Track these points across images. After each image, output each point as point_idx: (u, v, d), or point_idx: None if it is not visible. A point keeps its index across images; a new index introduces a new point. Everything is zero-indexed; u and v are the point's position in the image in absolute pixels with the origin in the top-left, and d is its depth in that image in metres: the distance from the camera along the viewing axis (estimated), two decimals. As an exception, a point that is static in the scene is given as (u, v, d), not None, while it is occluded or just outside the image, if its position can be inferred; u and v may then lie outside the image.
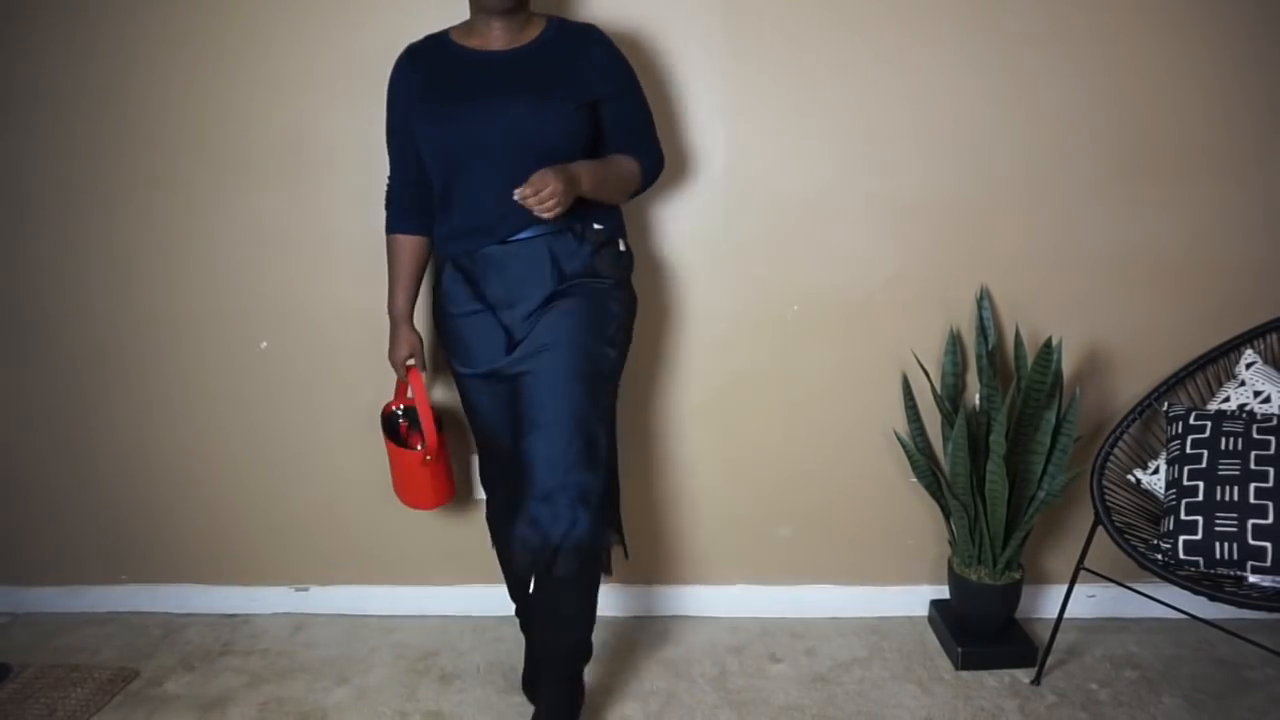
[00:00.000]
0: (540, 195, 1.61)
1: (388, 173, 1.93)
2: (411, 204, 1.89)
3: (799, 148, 2.13)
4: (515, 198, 1.62)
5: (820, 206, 2.16)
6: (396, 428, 2.10)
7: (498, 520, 2.01)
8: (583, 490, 1.69)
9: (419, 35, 2.06)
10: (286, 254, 2.22)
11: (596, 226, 1.82)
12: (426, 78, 1.80)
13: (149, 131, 2.17)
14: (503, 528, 1.93)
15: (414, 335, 1.99)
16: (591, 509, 1.69)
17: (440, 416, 2.07)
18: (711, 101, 2.11)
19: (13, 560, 2.47)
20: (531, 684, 2.01)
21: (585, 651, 1.89)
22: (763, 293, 2.20)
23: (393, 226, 1.93)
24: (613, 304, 1.83)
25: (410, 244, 1.92)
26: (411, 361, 1.99)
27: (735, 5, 2.06)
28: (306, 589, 2.44)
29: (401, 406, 2.09)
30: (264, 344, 2.28)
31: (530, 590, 1.86)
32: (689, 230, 2.18)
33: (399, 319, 1.97)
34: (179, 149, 2.18)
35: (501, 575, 2.11)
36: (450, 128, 1.75)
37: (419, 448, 2.03)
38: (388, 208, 1.94)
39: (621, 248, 1.88)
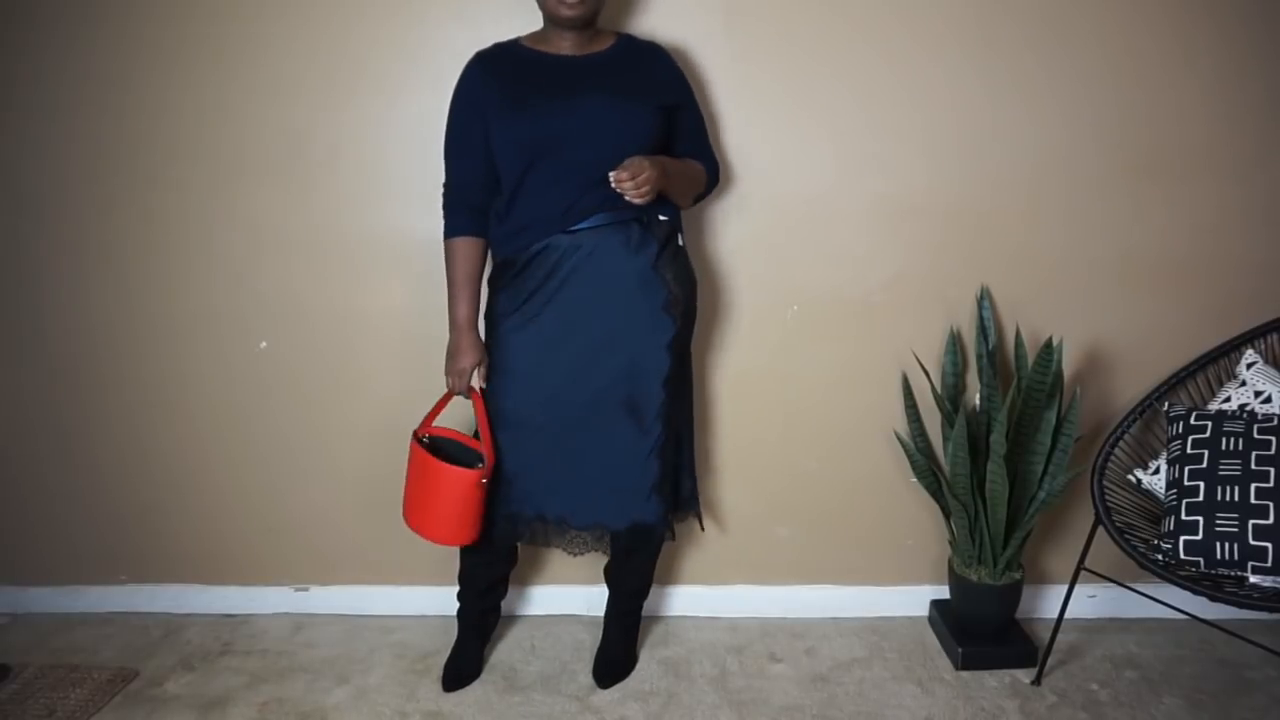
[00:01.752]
0: (637, 180, 1.71)
1: (442, 179, 1.92)
2: (476, 207, 1.89)
3: (799, 148, 2.13)
4: (611, 180, 1.71)
5: (821, 207, 2.16)
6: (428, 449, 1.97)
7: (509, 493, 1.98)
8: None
9: (419, 35, 2.08)
10: (286, 254, 2.22)
11: (662, 218, 1.87)
12: (504, 80, 1.84)
13: (148, 132, 2.17)
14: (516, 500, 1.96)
15: (481, 344, 1.92)
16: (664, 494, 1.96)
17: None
18: (712, 101, 2.11)
19: (13, 560, 2.47)
20: (452, 669, 2.12)
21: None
22: (763, 293, 2.20)
23: (456, 229, 1.89)
24: (681, 298, 1.91)
25: (474, 247, 1.90)
26: (477, 379, 1.92)
27: (736, 6, 2.06)
28: (306, 589, 2.44)
29: (427, 436, 1.99)
30: (263, 344, 2.28)
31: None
32: (689, 231, 2.17)
33: (465, 326, 1.90)
34: (178, 149, 2.18)
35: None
36: (533, 121, 1.80)
37: None
38: (447, 212, 1.90)
39: (680, 242, 1.94)
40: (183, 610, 2.45)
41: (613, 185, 1.71)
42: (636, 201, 1.74)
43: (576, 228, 1.82)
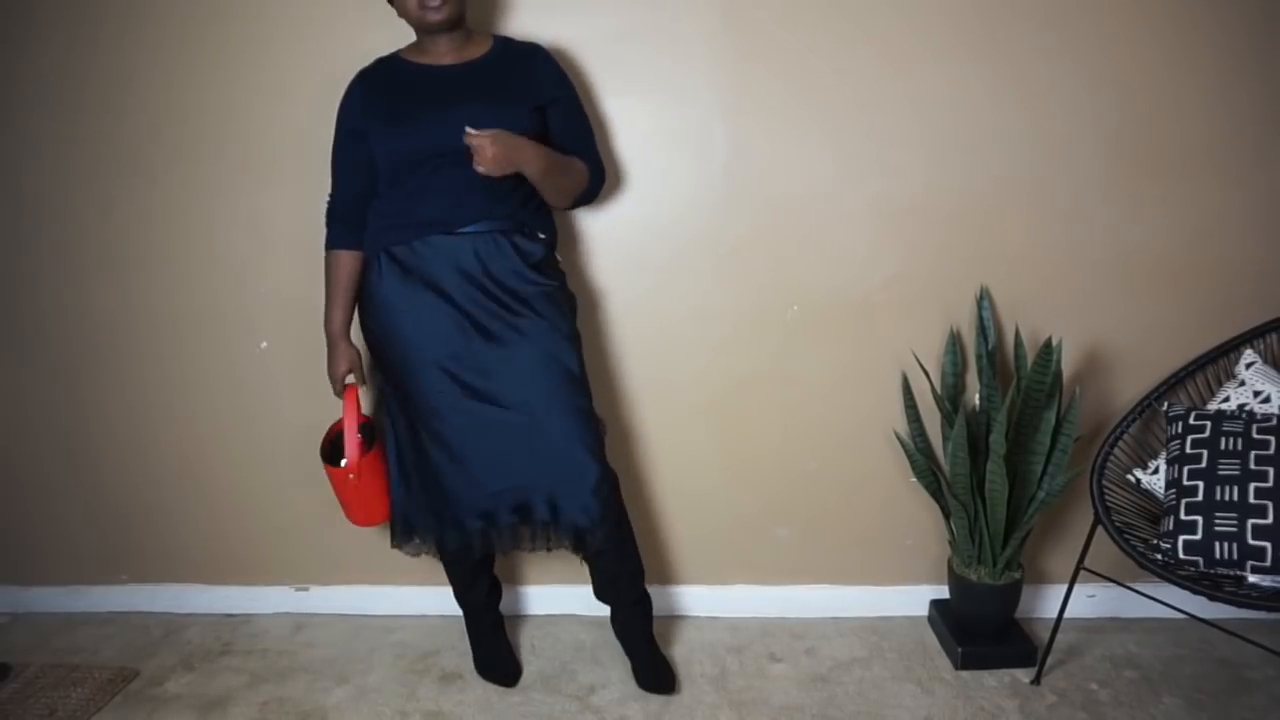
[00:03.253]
0: (485, 141, 1.74)
1: (328, 192, 1.97)
2: (353, 219, 1.94)
3: (799, 148, 2.13)
4: (466, 132, 1.74)
5: (820, 206, 2.16)
6: (338, 450, 2.02)
7: (439, 507, 1.97)
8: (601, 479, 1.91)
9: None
10: (286, 254, 2.22)
11: (541, 235, 1.93)
12: (381, 94, 1.90)
13: (149, 132, 2.18)
14: (450, 513, 1.96)
15: (353, 350, 2.01)
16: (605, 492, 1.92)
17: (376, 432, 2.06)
18: (711, 101, 2.11)
19: (13, 560, 2.47)
20: (495, 668, 2.14)
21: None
22: (763, 293, 2.20)
23: (334, 242, 1.96)
24: (566, 303, 1.96)
25: (350, 260, 1.95)
26: (351, 378, 2.02)
27: (735, 5, 2.06)
28: (306, 589, 2.44)
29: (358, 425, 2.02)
30: (264, 344, 2.28)
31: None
32: (689, 231, 2.18)
33: (338, 335, 1.99)
34: (179, 149, 2.18)
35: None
36: (409, 133, 1.85)
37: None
38: (329, 224, 1.97)
39: (558, 262, 2.01)
40: (183, 610, 2.45)
41: (464, 139, 1.74)
42: (481, 169, 1.76)
43: (460, 230, 1.85)
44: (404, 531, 2.02)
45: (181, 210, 2.21)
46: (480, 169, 1.76)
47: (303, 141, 2.15)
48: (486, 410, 1.88)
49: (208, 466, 2.37)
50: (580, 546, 1.95)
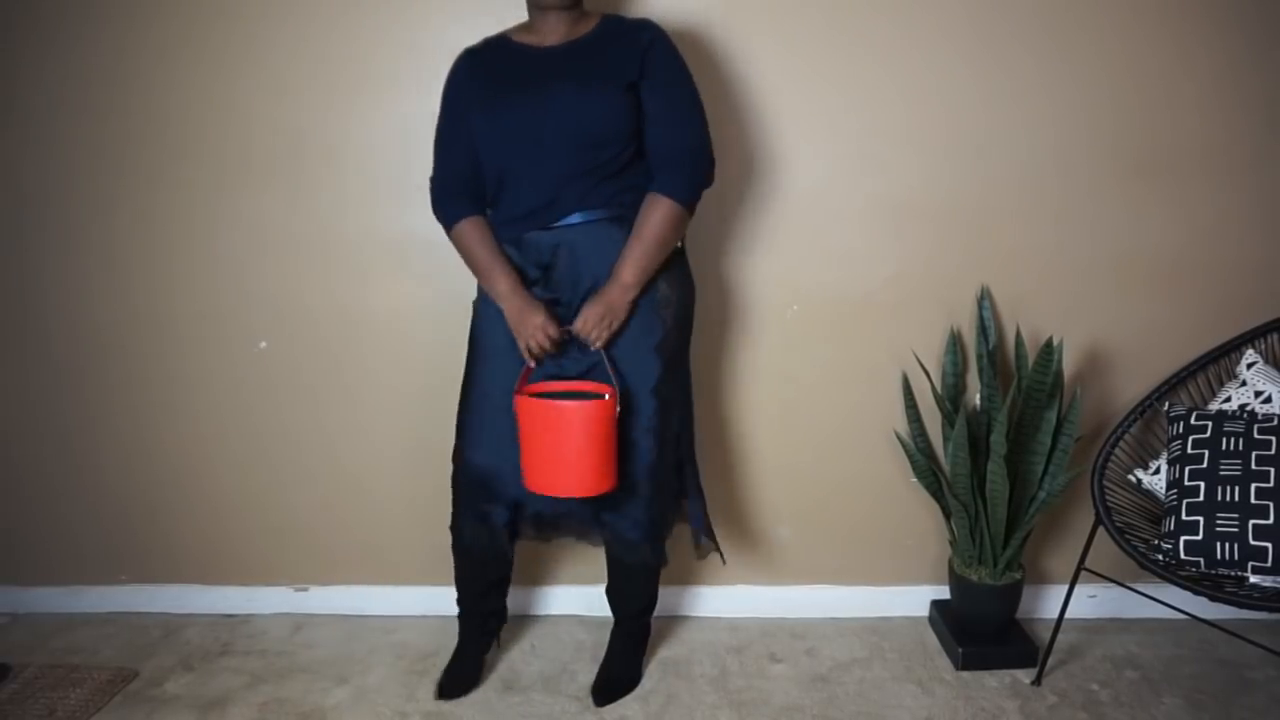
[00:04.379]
0: (591, 336, 1.78)
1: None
2: (464, 190, 1.87)
3: (799, 147, 2.13)
4: (572, 331, 1.79)
5: (820, 206, 2.16)
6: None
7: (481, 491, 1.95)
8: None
9: (419, 36, 2.07)
10: (286, 254, 2.22)
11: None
12: (484, 74, 1.84)
13: (149, 132, 2.17)
14: (488, 499, 1.95)
15: (537, 301, 1.82)
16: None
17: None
18: (711, 102, 2.10)
19: (13, 560, 2.47)
20: (449, 676, 2.10)
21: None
22: (763, 293, 2.20)
23: (454, 217, 1.86)
24: (659, 301, 1.86)
25: (481, 225, 1.86)
26: (553, 330, 1.80)
27: (734, 6, 2.06)
28: (306, 589, 2.44)
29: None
30: (264, 344, 2.28)
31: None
32: (688, 231, 2.17)
33: (511, 293, 1.81)
34: (179, 149, 2.18)
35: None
36: (503, 116, 1.79)
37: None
38: (441, 204, 1.89)
39: (678, 243, 1.88)
40: (183, 610, 2.45)
41: (576, 335, 1.78)
42: (598, 347, 1.79)
43: (556, 224, 1.80)
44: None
45: (181, 210, 2.21)
46: (597, 348, 1.79)
47: (303, 141, 2.15)
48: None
49: (208, 466, 2.37)
50: (615, 553, 2.00)
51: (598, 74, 1.77)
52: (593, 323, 1.77)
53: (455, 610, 2.16)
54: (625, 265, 1.77)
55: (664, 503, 1.95)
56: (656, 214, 1.78)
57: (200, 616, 2.44)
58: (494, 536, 1.96)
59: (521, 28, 1.86)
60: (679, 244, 1.89)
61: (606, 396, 1.79)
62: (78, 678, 2.15)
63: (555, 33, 1.80)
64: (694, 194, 1.83)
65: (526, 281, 1.85)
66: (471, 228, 1.85)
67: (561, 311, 1.85)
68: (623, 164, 1.79)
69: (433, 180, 1.91)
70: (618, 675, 2.09)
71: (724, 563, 2.17)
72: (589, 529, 1.98)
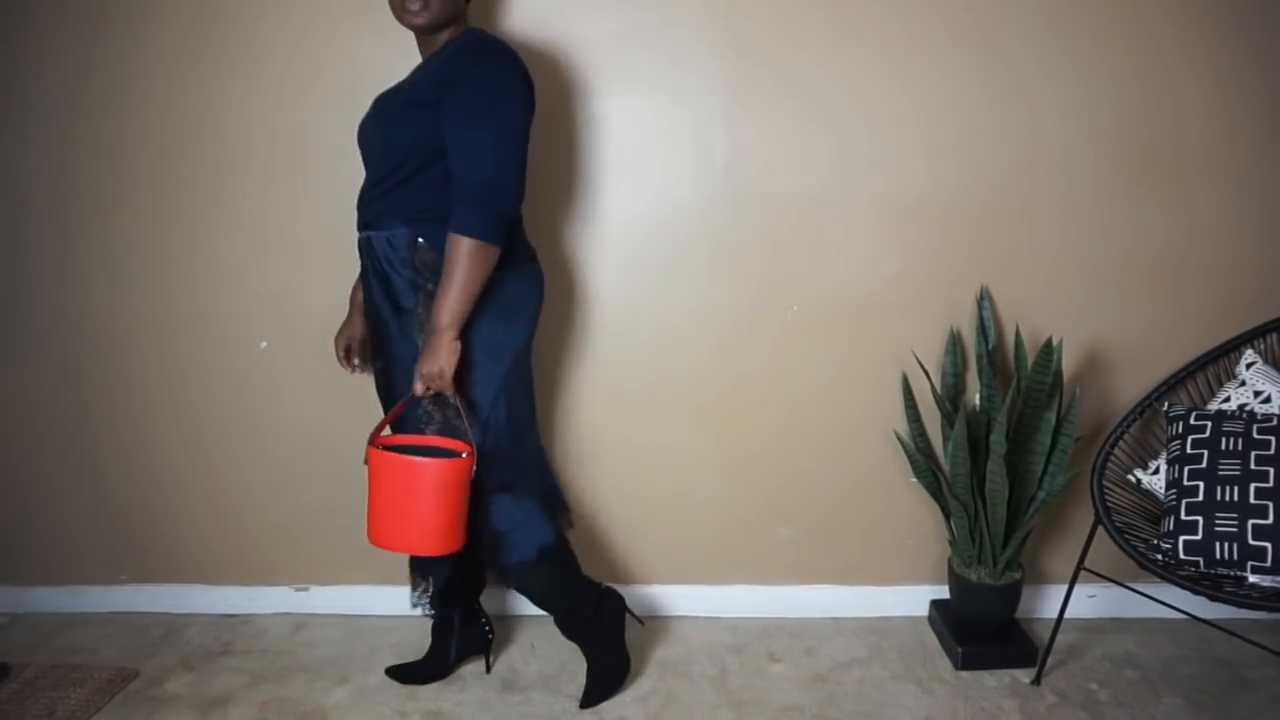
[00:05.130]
0: (429, 390, 1.73)
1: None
2: None
3: (799, 148, 2.13)
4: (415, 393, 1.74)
5: (820, 206, 2.16)
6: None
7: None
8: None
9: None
10: (286, 254, 2.22)
11: (420, 240, 1.77)
12: None
13: (149, 132, 2.17)
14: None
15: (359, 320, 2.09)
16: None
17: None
18: (712, 101, 2.11)
19: (13, 560, 2.47)
20: (402, 672, 2.14)
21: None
22: (763, 293, 2.20)
23: None
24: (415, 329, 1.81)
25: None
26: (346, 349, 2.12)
27: (735, 6, 2.06)
28: (306, 589, 2.44)
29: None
30: (264, 344, 2.28)
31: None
32: (688, 231, 2.18)
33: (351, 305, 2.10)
34: (179, 149, 2.18)
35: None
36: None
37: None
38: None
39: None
40: (183, 610, 2.45)
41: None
42: (439, 393, 1.74)
43: (363, 231, 1.86)
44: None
45: (181, 210, 2.21)
46: (441, 393, 1.74)
47: (303, 141, 2.15)
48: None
49: (208, 466, 2.37)
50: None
51: (406, 87, 1.80)
52: (424, 379, 1.71)
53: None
54: (436, 309, 1.70)
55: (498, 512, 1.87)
56: (454, 253, 1.68)
57: (201, 616, 2.44)
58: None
59: None
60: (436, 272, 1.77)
61: (464, 454, 1.75)
62: (78, 678, 2.15)
63: (424, 50, 1.85)
64: (489, 229, 1.68)
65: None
66: None
67: (369, 312, 1.91)
68: (410, 184, 1.77)
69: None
70: (592, 679, 2.04)
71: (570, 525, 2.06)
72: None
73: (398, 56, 2.09)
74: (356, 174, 2.14)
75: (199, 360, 2.30)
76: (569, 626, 2.03)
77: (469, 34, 1.80)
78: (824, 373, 2.24)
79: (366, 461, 1.79)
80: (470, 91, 1.69)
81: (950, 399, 2.17)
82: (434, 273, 1.75)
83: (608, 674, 2.05)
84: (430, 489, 1.73)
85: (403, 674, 2.13)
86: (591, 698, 2.02)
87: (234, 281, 2.25)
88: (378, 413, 2.29)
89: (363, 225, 1.87)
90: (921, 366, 2.17)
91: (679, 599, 2.39)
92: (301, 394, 2.30)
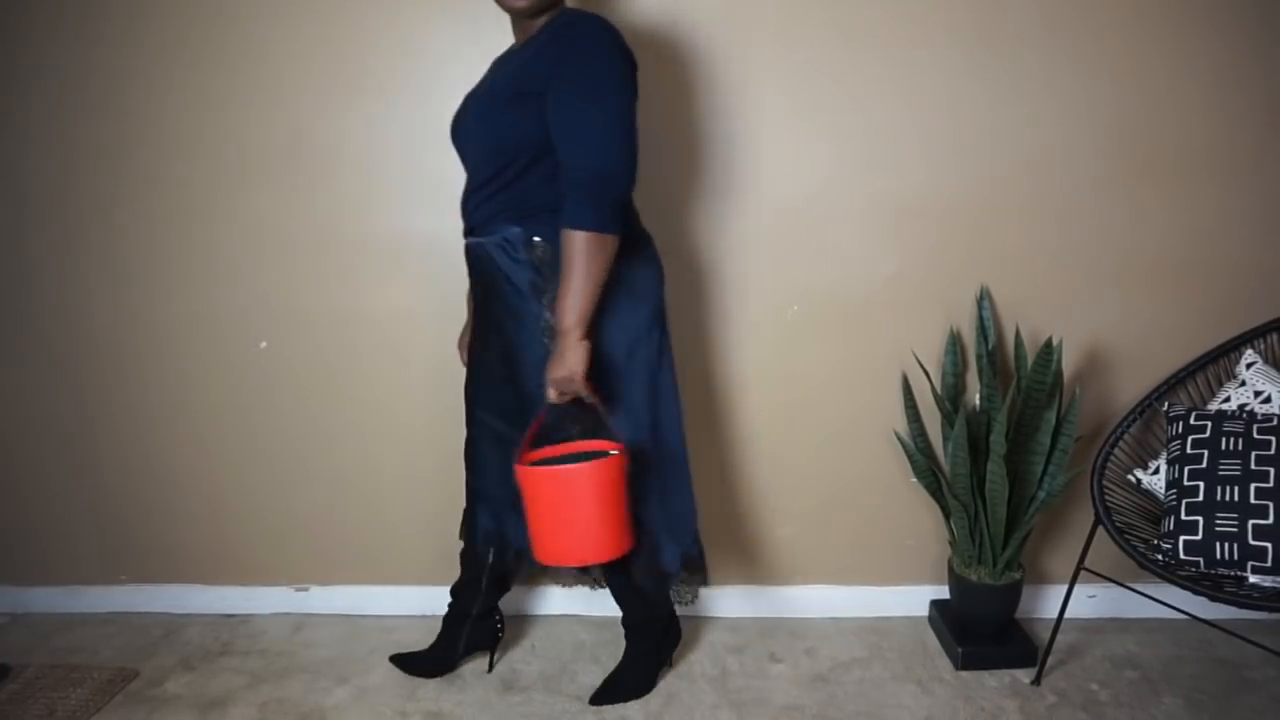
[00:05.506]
0: (561, 396, 1.66)
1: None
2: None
3: (799, 148, 2.13)
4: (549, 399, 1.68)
5: (820, 206, 2.16)
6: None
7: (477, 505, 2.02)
8: None
9: (418, 36, 2.08)
10: (286, 254, 2.22)
11: (536, 239, 1.71)
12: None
13: (148, 132, 2.17)
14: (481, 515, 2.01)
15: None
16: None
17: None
18: (712, 101, 2.11)
19: (13, 560, 2.47)
20: (403, 659, 2.14)
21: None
22: (763, 293, 2.20)
23: None
24: (540, 329, 1.74)
25: None
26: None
27: (735, 5, 2.06)
28: (306, 589, 2.44)
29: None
30: (263, 344, 2.28)
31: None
32: (688, 230, 2.17)
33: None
34: (178, 150, 2.18)
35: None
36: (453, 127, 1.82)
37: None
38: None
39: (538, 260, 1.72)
40: (183, 610, 2.45)
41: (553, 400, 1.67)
42: (572, 398, 1.67)
43: (470, 237, 1.81)
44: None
45: (180, 210, 2.21)
46: (575, 397, 1.67)
47: (302, 141, 2.15)
48: (500, 423, 1.88)
49: (208, 466, 2.37)
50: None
51: (507, 80, 1.68)
52: (555, 384, 1.65)
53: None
54: (560, 310, 1.63)
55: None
56: (570, 249, 1.61)
57: (200, 616, 2.44)
58: (488, 560, 2.05)
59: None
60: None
61: (613, 453, 1.69)
62: (78, 678, 2.15)
63: (518, 36, 1.75)
64: (604, 219, 1.62)
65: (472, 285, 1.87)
66: None
67: (476, 319, 1.88)
68: (522, 180, 1.69)
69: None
70: (620, 679, 2.07)
71: (706, 582, 2.08)
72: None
73: (398, 56, 2.10)
74: (356, 174, 2.15)
75: (198, 360, 2.30)
76: (640, 628, 2.04)
77: (565, 14, 1.68)
78: (824, 373, 2.24)
79: (520, 481, 1.70)
80: (571, 74, 1.58)
81: (950, 399, 2.17)
82: (555, 272, 1.67)
83: (632, 685, 2.06)
84: (589, 494, 1.66)
85: (407, 664, 2.14)
86: (606, 697, 2.03)
87: (233, 281, 2.25)
88: (377, 412, 2.30)
89: (468, 231, 1.80)
90: (921, 366, 2.17)
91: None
92: (301, 394, 2.30)
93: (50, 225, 2.25)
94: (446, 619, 2.14)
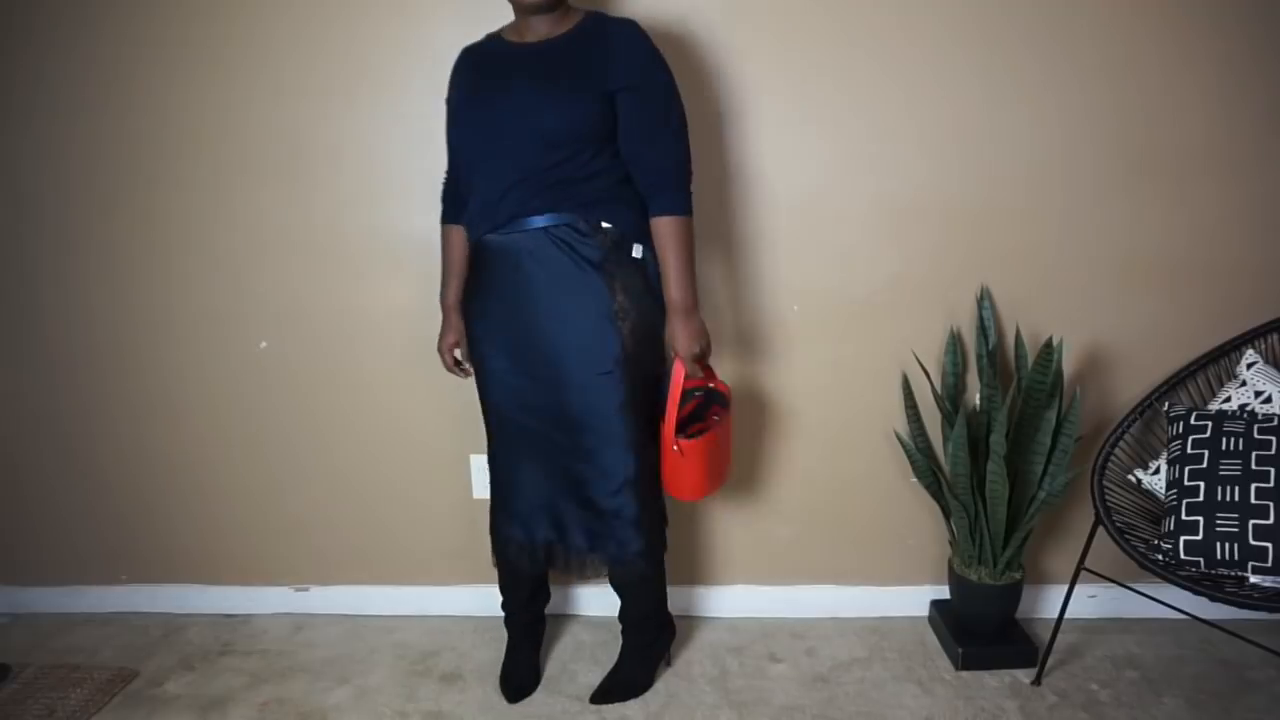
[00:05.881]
0: (701, 364, 1.83)
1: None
2: (458, 195, 1.90)
3: (799, 148, 2.13)
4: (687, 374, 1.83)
5: (820, 206, 2.15)
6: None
7: (502, 513, 1.99)
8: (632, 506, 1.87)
9: (420, 36, 2.08)
10: (286, 254, 2.22)
11: (605, 225, 1.77)
12: (469, 72, 1.85)
13: (149, 132, 2.17)
14: (508, 521, 1.97)
15: (459, 325, 1.96)
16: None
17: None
18: (712, 101, 2.11)
19: (13, 560, 2.47)
20: (507, 679, 2.09)
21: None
22: (763, 293, 2.20)
23: (444, 216, 1.95)
24: (618, 324, 1.79)
25: (458, 234, 1.91)
26: (459, 352, 1.99)
27: (735, 5, 2.06)
28: (306, 589, 2.44)
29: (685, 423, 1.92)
30: (264, 344, 2.28)
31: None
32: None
33: (447, 307, 1.97)
34: (179, 149, 2.18)
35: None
36: (470, 113, 1.81)
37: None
38: (442, 201, 1.96)
39: (637, 254, 1.81)
40: (183, 610, 2.45)
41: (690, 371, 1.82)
42: (701, 370, 1.85)
43: (509, 228, 1.77)
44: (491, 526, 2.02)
45: (181, 210, 2.21)
46: (700, 369, 1.84)
47: (302, 141, 2.15)
48: (532, 420, 1.86)
49: (207, 466, 2.37)
50: (615, 577, 1.98)
51: (565, 73, 1.72)
52: (694, 357, 1.81)
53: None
54: (670, 289, 1.79)
55: (650, 515, 1.93)
56: (670, 233, 1.77)
57: (200, 616, 2.44)
58: (519, 561, 2.03)
59: (511, 26, 1.85)
60: (637, 256, 1.81)
61: (703, 391, 1.94)
62: (78, 678, 2.15)
63: (536, 32, 1.78)
64: (691, 205, 1.81)
65: (488, 284, 1.84)
66: (447, 233, 1.94)
67: (506, 318, 1.83)
68: (581, 171, 1.74)
69: (445, 177, 1.96)
70: (620, 678, 2.07)
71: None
72: (581, 558, 1.95)
73: (399, 56, 2.10)
74: (356, 174, 2.15)
75: (199, 360, 2.30)
76: (639, 624, 2.08)
77: (602, 16, 1.80)
78: (824, 373, 2.24)
79: (682, 452, 1.85)
80: (652, 76, 1.75)
81: (950, 399, 2.17)
82: (625, 255, 1.79)
83: (632, 683, 2.07)
84: (728, 430, 1.97)
85: (518, 691, 2.08)
86: (607, 696, 2.04)
87: (234, 281, 2.25)
88: (377, 412, 2.30)
89: (507, 220, 1.77)
90: (921, 366, 2.17)
91: (680, 599, 2.38)
92: (301, 394, 2.30)
93: (50, 225, 2.25)
94: (520, 632, 2.13)
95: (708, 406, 1.97)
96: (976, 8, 2.05)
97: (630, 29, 1.76)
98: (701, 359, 1.83)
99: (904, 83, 2.09)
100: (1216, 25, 2.03)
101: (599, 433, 1.83)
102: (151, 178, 2.20)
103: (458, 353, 1.99)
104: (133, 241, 2.24)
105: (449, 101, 1.87)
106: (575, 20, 1.78)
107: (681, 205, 1.78)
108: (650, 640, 2.10)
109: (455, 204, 1.91)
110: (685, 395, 1.88)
